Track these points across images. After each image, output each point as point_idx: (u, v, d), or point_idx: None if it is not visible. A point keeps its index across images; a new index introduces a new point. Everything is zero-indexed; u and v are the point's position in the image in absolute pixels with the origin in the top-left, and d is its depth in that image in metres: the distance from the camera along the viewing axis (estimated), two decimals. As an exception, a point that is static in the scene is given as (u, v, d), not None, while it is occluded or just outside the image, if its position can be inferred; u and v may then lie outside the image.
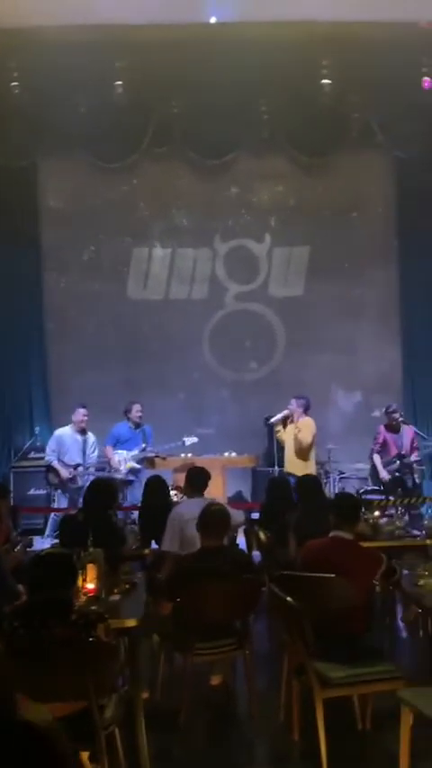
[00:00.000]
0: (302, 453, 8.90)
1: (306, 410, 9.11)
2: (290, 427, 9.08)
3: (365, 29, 9.37)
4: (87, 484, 6.89)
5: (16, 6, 8.57)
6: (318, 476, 8.09)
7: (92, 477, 9.09)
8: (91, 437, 9.26)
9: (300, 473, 8.04)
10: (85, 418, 9.19)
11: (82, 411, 9.24)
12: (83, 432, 9.22)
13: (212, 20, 9.71)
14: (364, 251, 11.19)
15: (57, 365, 10.94)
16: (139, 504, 6.90)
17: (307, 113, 10.33)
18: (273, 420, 9.21)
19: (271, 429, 9.69)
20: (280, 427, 9.14)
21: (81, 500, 6.93)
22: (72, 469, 9.10)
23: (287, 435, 9.09)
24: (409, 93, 10.03)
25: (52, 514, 9.07)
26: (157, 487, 6.63)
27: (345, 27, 9.45)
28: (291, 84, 10.15)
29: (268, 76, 9.96)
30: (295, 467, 8.79)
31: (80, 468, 9.12)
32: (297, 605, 3.86)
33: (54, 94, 9.93)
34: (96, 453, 9.28)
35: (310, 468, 8.81)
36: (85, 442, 9.21)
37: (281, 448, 9.32)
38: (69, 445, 9.16)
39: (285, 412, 9.12)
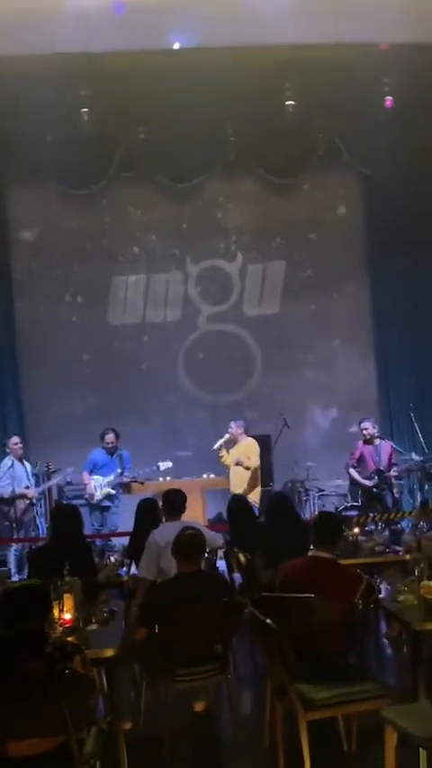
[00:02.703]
0: (253, 477, 8.90)
1: (246, 432, 9.16)
2: (233, 450, 9.10)
3: (327, 51, 9.48)
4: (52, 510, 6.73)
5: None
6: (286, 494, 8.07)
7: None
8: (27, 463, 9.25)
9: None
10: (17, 446, 9.18)
11: (14, 439, 9.27)
12: (20, 459, 9.20)
13: (176, 46, 9.79)
14: (335, 268, 11.29)
15: (31, 394, 10.87)
16: (132, 529, 6.65)
17: (273, 134, 10.44)
18: (216, 446, 9.14)
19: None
20: (224, 452, 9.13)
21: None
22: (29, 490, 9.06)
23: (231, 459, 9.08)
24: (372, 112, 10.18)
25: (12, 549, 8.88)
26: (148, 510, 6.43)
27: (307, 50, 9.55)
28: (256, 107, 10.24)
29: (233, 100, 10.05)
30: (243, 489, 8.74)
31: (32, 489, 9.08)
32: (275, 627, 3.82)
33: (20, 124, 9.92)
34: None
35: (257, 489, 8.90)
36: (25, 468, 9.20)
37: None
38: (19, 474, 9.08)
39: (227, 436, 9.14)
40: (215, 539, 5.99)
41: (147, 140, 10.45)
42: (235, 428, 9.12)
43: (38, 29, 8.10)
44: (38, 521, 9.45)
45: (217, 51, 9.52)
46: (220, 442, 9.14)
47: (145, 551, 5.44)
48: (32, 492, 9.10)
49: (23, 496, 9.02)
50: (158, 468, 9.36)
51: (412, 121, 10.13)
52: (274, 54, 9.54)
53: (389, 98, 10.06)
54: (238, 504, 7.27)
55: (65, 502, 9.03)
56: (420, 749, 3.47)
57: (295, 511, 7.00)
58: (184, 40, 9.57)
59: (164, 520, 5.84)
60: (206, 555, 5.62)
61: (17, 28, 8.11)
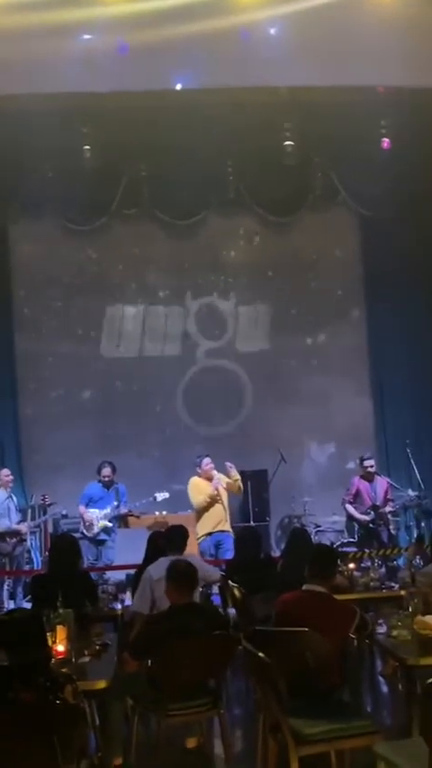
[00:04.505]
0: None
1: None
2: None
3: (326, 93, 9.71)
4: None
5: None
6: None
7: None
8: (14, 497, 9.21)
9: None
10: (9, 477, 9.16)
11: (5, 471, 9.25)
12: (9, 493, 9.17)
13: (178, 86, 10.00)
14: (332, 305, 11.39)
15: (29, 425, 10.89)
16: (141, 562, 6.58)
17: (272, 174, 10.61)
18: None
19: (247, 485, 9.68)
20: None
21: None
22: (22, 525, 9.02)
23: (223, 495, 9.03)
24: (369, 153, 10.37)
25: (5, 584, 8.78)
26: (155, 543, 6.26)
27: (306, 92, 9.78)
28: (255, 146, 10.44)
29: (233, 139, 10.25)
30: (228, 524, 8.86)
31: (23, 525, 9.04)
32: (268, 661, 3.81)
33: (23, 160, 10.11)
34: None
35: None
36: (13, 500, 9.15)
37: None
38: (10, 507, 9.05)
39: (217, 474, 9.05)
40: (212, 573, 5.96)
41: (148, 178, 10.62)
42: (211, 464, 9.03)
43: (42, 68, 8.27)
44: (33, 554, 9.40)
45: (218, 92, 9.72)
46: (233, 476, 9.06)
47: (139, 585, 5.41)
48: (24, 527, 9.04)
49: (17, 533, 8.95)
50: (155, 498, 9.34)
51: (408, 162, 10.31)
52: (273, 95, 9.75)
53: (386, 139, 10.25)
54: (254, 535, 7.14)
55: (59, 533, 8.99)
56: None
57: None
58: (187, 81, 9.76)
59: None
60: (201, 589, 5.61)
61: (22, 67, 8.29)
